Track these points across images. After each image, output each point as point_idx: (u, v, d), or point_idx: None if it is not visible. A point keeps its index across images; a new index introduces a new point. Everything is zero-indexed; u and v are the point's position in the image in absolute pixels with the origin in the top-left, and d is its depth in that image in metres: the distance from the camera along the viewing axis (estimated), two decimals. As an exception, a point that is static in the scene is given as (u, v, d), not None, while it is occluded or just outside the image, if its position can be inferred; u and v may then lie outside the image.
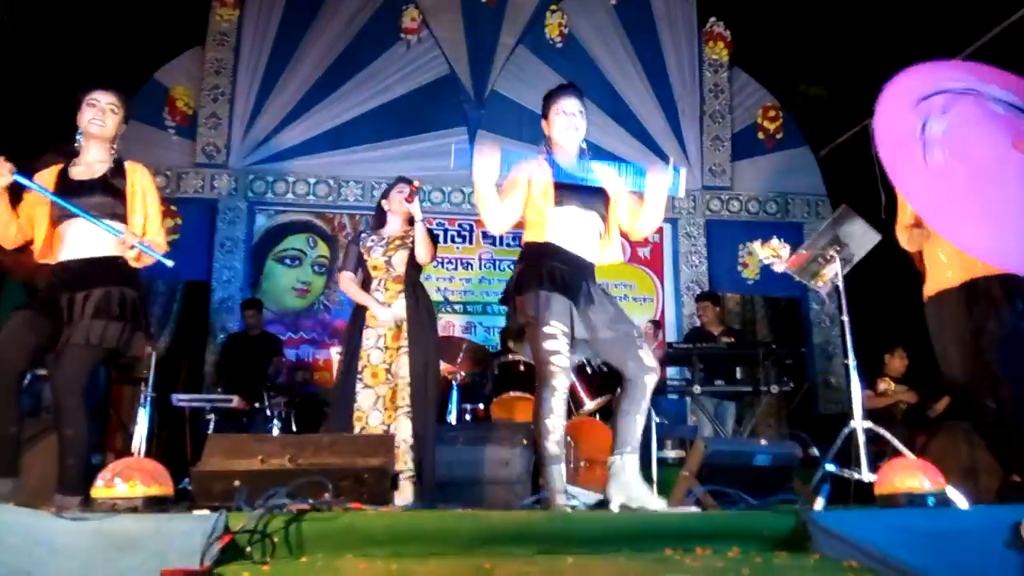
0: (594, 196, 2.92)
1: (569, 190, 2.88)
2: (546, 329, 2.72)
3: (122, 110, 2.98)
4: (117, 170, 2.94)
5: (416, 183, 3.55)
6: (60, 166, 2.94)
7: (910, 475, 2.39)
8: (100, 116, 2.93)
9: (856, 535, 1.99)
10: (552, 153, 3.02)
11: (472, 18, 7.18)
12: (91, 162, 2.94)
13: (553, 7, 7.26)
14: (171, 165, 6.63)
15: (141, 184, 2.96)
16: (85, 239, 2.84)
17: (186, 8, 6.73)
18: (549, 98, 3.04)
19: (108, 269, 2.82)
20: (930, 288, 3.17)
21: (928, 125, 2.72)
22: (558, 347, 2.72)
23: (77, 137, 2.97)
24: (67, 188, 2.85)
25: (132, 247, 2.82)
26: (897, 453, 3.10)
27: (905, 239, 3.22)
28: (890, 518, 2.20)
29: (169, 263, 2.89)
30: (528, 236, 2.94)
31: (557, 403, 2.72)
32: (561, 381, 2.73)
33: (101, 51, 6.03)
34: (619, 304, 2.93)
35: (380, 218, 3.73)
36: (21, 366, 2.73)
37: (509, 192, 2.93)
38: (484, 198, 2.86)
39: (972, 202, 2.67)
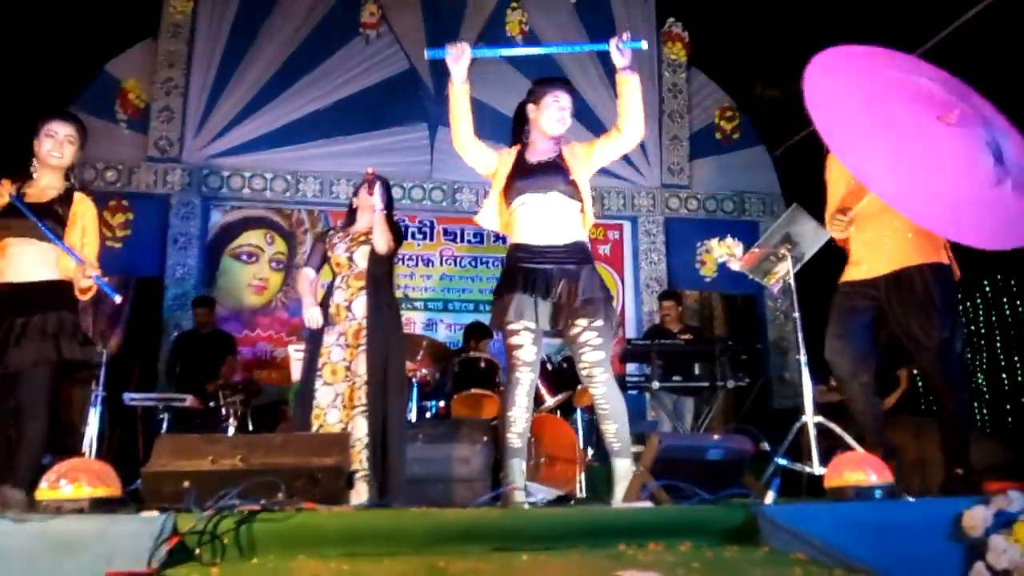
0: (548, 174, 2.91)
1: (522, 179, 2.92)
2: (510, 327, 2.85)
3: (79, 140, 3.11)
4: (65, 198, 3.07)
5: (369, 171, 3.52)
6: (15, 185, 3.03)
7: (858, 469, 2.43)
8: (59, 148, 3.06)
9: (804, 528, 2.03)
10: (527, 140, 3.04)
11: (432, 14, 7.15)
12: (43, 187, 3.07)
13: (513, 4, 7.26)
14: (123, 159, 6.48)
15: (84, 217, 3.08)
16: (30, 262, 2.95)
17: (138, -2, 6.58)
18: (544, 85, 3.06)
19: (51, 293, 2.95)
20: (844, 276, 3.17)
21: (859, 89, 2.77)
22: (521, 341, 2.84)
23: (32, 162, 3.09)
24: (16, 209, 2.94)
25: (89, 277, 2.96)
26: (847, 447, 3.17)
27: (833, 225, 3.19)
28: (837, 511, 2.25)
29: (118, 298, 2.99)
30: (509, 238, 3.04)
31: (520, 395, 2.83)
32: (524, 374, 2.84)
33: (51, 41, 5.87)
34: (599, 294, 2.87)
35: (351, 216, 3.69)
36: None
37: (485, 148, 3.04)
38: (456, 108, 3.00)
39: (896, 155, 2.65)
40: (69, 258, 2.96)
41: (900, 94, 2.80)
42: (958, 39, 5.53)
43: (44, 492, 2.06)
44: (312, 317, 3.42)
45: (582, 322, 2.82)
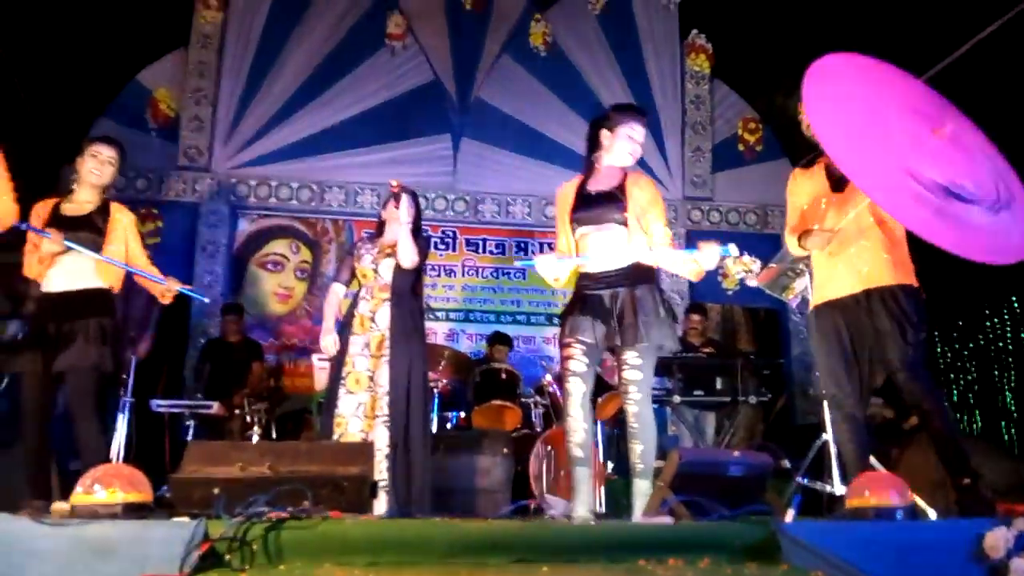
0: (605, 205, 2.97)
1: (582, 211, 3.01)
2: (564, 341, 2.98)
3: (118, 162, 3.39)
4: (103, 209, 3.35)
5: (394, 184, 3.56)
6: (55, 201, 3.32)
7: (879, 488, 2.43)
8: (99, 167, 3.32)
9: (824, 546, 2.04)
10: (594, 165, 3.09)
11: (457, 25, 7.23)
12: (81, 201, 3.33)
13: (537, 16, 7.31)
14: (153, 168, 6.60)
15: (124, 226, 3.36)
16: (76, 272, 3.21)
17: (170, 9, 6.70)
18: (622, 114, 3.09)
19: (95, 300, 3.21)
20: (816, 298, 3.16)
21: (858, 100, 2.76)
22: (571, 353, 2.94)
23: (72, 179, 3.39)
24: (58, 222, 3.22)
25: (175, 290, 3.36)
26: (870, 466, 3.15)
27: (792, 243, 3.17)
28: (858, 530, 2.25)
29: (206, 299, 3.71)
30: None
31: (572, 406, 2.92)
32: (574, 385, 2.92)
33: (84, 52, 6.01)
34: (654, 317, 2.91)
35: (379, 228, 3.74)
36: (43, 409, 3.15)
37: (559, 233, 3.14)
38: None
39: (901, 173, 2.63)
40: (109, 267, 3.23)
41: (894, 108, 2.79)
42: (978, 54, 5.50)
43: (79, 497, 2.12)
44: (327, 346, 3.50)
45: (628, 339, 2.87)
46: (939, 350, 6.76)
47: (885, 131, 2.70)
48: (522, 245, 7.14)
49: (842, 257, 3.03)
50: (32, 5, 5.71)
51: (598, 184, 3.04)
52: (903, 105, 2.84)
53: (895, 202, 2.63)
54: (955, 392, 6.59)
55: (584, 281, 3.01)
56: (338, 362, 3.47)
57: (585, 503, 2.86)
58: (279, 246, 6.81)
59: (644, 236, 2.94)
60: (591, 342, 2.92)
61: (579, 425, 2.90)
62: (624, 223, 2.95)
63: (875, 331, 2.95)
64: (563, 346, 2.98)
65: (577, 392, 2.91)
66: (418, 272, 3.61)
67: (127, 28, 6.27)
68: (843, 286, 3.03)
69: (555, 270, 2.96)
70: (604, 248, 2.96)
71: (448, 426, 5.10)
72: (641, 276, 2.94)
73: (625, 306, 2.88)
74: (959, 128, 2.84)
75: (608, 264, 2.95)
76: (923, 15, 5.58)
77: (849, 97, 2.76)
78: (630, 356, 2.87)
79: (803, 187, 3.22)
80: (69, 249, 3.16)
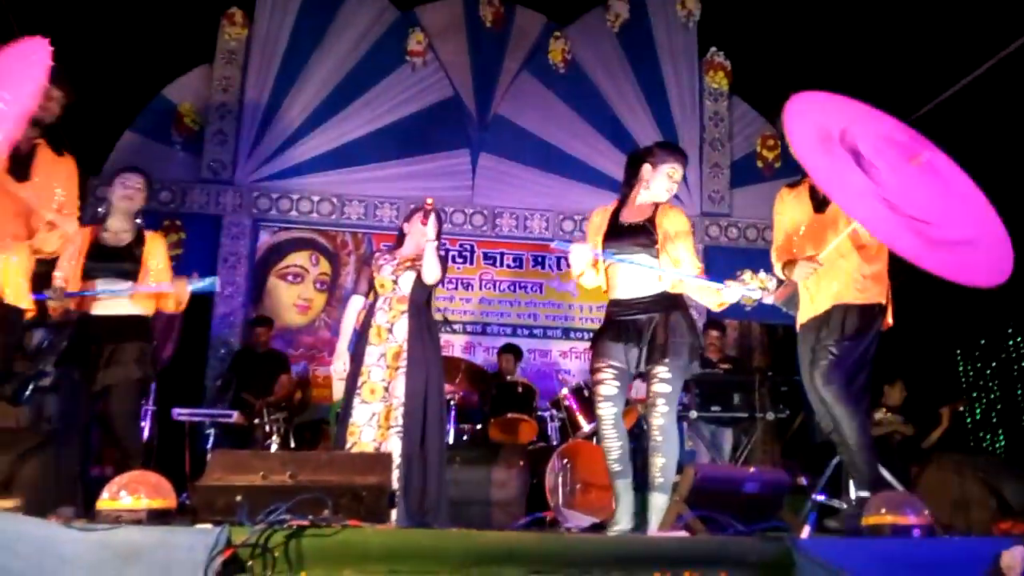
0: (637, 236, 3.07)
1: (614, 240, 3.11)
2: (595, 366, 3.10)
3: (146, 189, 3.66)
4: (139, 239, 3.60)
5: (429, 202, 3.62)
6: (92, 230, 3.55)
7: (896, 506, 2.44)
8: (130, 194, 3.58)
9: (840, 563, 2.04)
10: (629, 194, 3.19)
11: (476, 42, 7.31)
12: (116, 230, 3.57)
13: (556, 33, 7.38)
14: (176, 180, 6.71)
15: (158, 253, 3.61)
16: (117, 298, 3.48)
17: (195, 26, 6.83)
18: (667, 152, 3.17)
19: (134, 325, 3.47)
20: (801, 317, 3.24)
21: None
22: (602, 377, 3.05)
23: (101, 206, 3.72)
24: (99, 253, 3.48)
25: (185, 292, 3.55)
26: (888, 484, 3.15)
27: (777, 268, 3.25)
28: (874, 548, 2.25)
29: (216, 286, 3.75)
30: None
31: (606, 429, 3.03)
32: (605, 409, 3.03)
33: (111, 67, 6.13)
34: (688, 338, 3.02)
35: (399, 240, 3.80)
36: (84, 419, 3.39)
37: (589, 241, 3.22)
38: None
39: (873, 187, 2.70)
40: (146, 297, 3.51)
41: (871, 138, 2.82)
42: (1001, 72, 5.50)
43: (105, 502, 2.17)
44: (336, 369, 3.58)
45: (658, 356, 2.97)
46: (961, 368, 6.71)
47: (866, 158, 2.75)
48: (539, 259, 7.17)
49: (820, 279, 3.12)
50: (63, 22, 5.85)
51: (631, 216, 3.14)
52: (879, 134, 2.88)
53: (879, 227, 2.68)
54: (978, 410, 6.53)
55: (615, 308, 3.12)
56: (353, 372, 3.51)
57: (628, 513, 2.95)
58: (299, 258, 6.89)
59: (673, 265, 3.02)
60: (622, 367, 3.02)
61: (615, 444, 3.01)
62: (655, 254, 3.05)
63: (823, 344, 3.05)
64: (594, 371, 3.09)
65: (609, 415, 3.02)
66: (433, 286, 3.67)
67: (154, 44, 6.40)
68: (817, 307, 3.13)
69: (584, 260, 3.08)
70: (634, 276, 3.05)
71: (464, 438, 5.13)
72: (672, 302, 3.05)
73: (659, 328, 2.98)
74: (934, 158, 2.88)
75: (638, 291, 3.06)
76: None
77: (827, 128, 2.81)
78: (660, 371, 2.96)
79: (788, 206, 3.33)
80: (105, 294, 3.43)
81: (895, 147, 2.85)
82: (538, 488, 4.43)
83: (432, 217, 3.59)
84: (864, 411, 3.09)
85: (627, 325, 3.04)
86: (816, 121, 2.81)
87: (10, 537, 1.90)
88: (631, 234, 3.08)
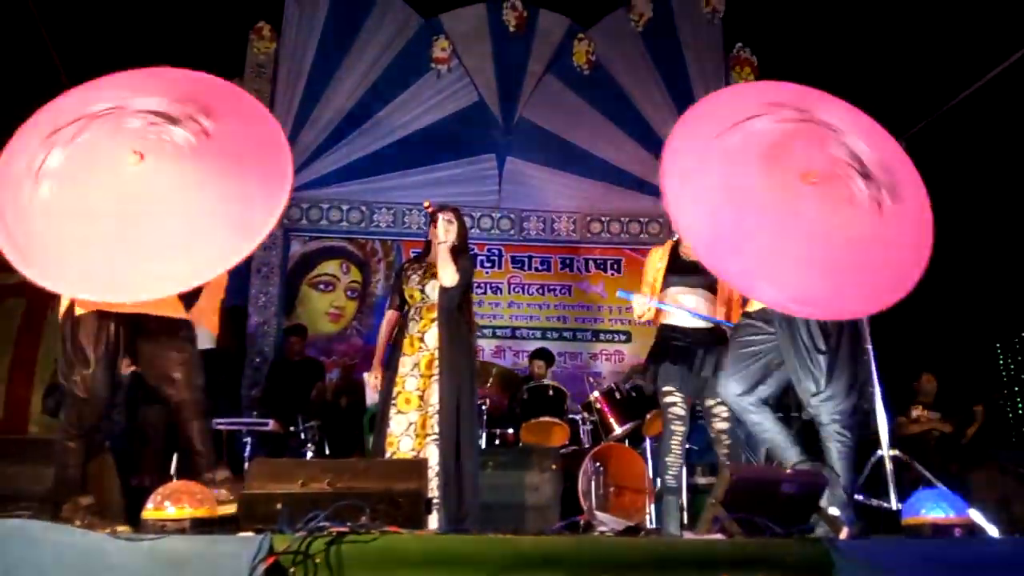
0: (697, 274, 3.37)
1: (676, 275, 3.49)
2: (664, 389, 3.47)
3: None
4: None
5: (426, 204, 3.64)
6: None
7: (936, 505, 2.40)
8: None
9: (879, 564, 2.02)
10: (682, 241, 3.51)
11: (500, 47, 7.36)
12: None
13: (580, 35, 7.39)
14: (210, 193, 6.82)
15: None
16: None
17: (225, 41, 6.97)
18: None
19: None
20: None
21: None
22: (674, 400, 3.44)
23: None
24: None
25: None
26: (927, 482, 3.11)
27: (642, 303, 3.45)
28: (914, 548, 2.22)
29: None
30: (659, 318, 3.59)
31: (674, 444, 3.42)
32: (677, 427, 3.43)
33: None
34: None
35: (427, 248, 3.78)
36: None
37: (644, 282, 3.61)
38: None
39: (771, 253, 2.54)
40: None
41: (755, 161, 2.59)
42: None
43: (150, 512, 2.21)
44: (370, 382, 3.68)
45: (715, 394, 3.23)
46: (1002, 362, 6.59)
47: (749, 209, 2.56)
48: (567, 261, 7.18)
49: None
50: (96, 38, 5.99)
51: (689, 253, 3.45)
52: (769, 157, 2.62)
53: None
54: (1020, 405, 6.40)
55: (671, 332, 3.48)
56: (388, 382, 3.53)
57: (677, 524, 3.38)
58: (330, 267, 6.98)
59: (726, 303, 3.43)
60: (686, 392, 3.43)
61: (678, 461, 3.43)
62: (712, 289, 3.44)
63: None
64: (664, 393, 3.46)
65: (680, 433, 3.41)
66: (465, 289, 3.61)
67: (185, 60, 6.49)
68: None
69: (645, 306, 3.45)
70: (692, 307, 3.43)
71: (496, 442, 5.14)
72: (723, 336, 3.34)
73: (715, 361, 3.32)
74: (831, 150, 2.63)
75: (694, 322, 3.43)
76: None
77: (706, 179, 2.59)
78: (721, 410, 3.35)
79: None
80: None
81: (787, 160, 2.60)
82: (571, 492, 4.43)
83: (440, 219, 3.57)
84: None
85: (683, 351, 3.41)
86: (694, 175, 2.58)
87: (58, 547, 1.96)
88: (691, 271, 3.40)
